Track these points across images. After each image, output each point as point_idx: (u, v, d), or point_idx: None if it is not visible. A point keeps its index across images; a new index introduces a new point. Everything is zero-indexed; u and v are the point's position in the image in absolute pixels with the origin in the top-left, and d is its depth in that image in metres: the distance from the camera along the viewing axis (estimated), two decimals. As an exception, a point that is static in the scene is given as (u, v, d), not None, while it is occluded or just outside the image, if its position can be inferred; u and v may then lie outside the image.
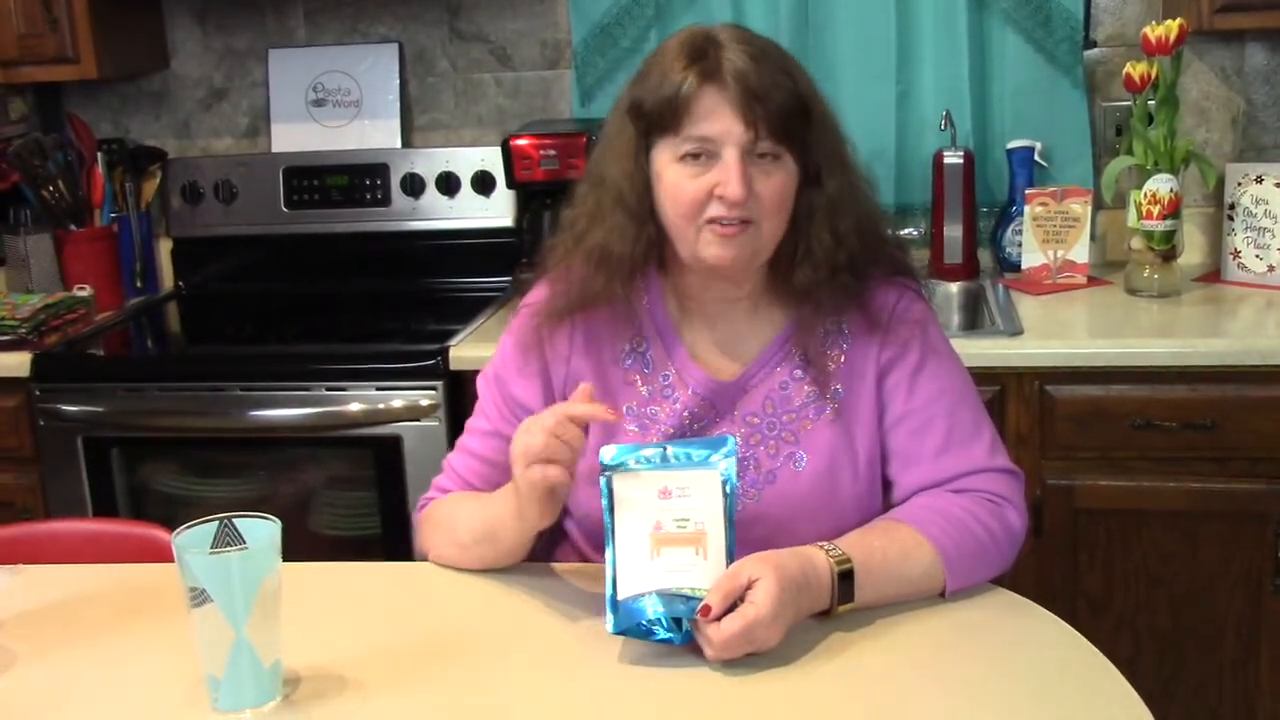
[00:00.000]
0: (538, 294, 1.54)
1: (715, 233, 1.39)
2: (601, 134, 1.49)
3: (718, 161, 1.37)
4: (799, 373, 1.49)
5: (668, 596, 1.27)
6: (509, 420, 1.52)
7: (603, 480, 1.33)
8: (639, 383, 1.51)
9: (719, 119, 1.36)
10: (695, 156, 1.38)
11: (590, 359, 1.51)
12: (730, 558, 1.30)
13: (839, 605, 1.32)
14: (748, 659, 1.26)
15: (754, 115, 1.35)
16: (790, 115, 1.37)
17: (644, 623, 1.27)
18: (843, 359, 1.49)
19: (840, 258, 1.43)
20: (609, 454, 1.34)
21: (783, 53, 1.42)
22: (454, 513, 1.52)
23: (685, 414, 1.48)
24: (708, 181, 1.37)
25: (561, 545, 1.60)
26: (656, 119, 1.39)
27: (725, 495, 1.31)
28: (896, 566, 1.36)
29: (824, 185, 1.42)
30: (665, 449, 1.34)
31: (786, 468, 1.47)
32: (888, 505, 1.50)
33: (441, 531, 1.53)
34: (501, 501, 1.42)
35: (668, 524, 1.30)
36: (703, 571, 1.28)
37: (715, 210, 1.38)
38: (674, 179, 1.39)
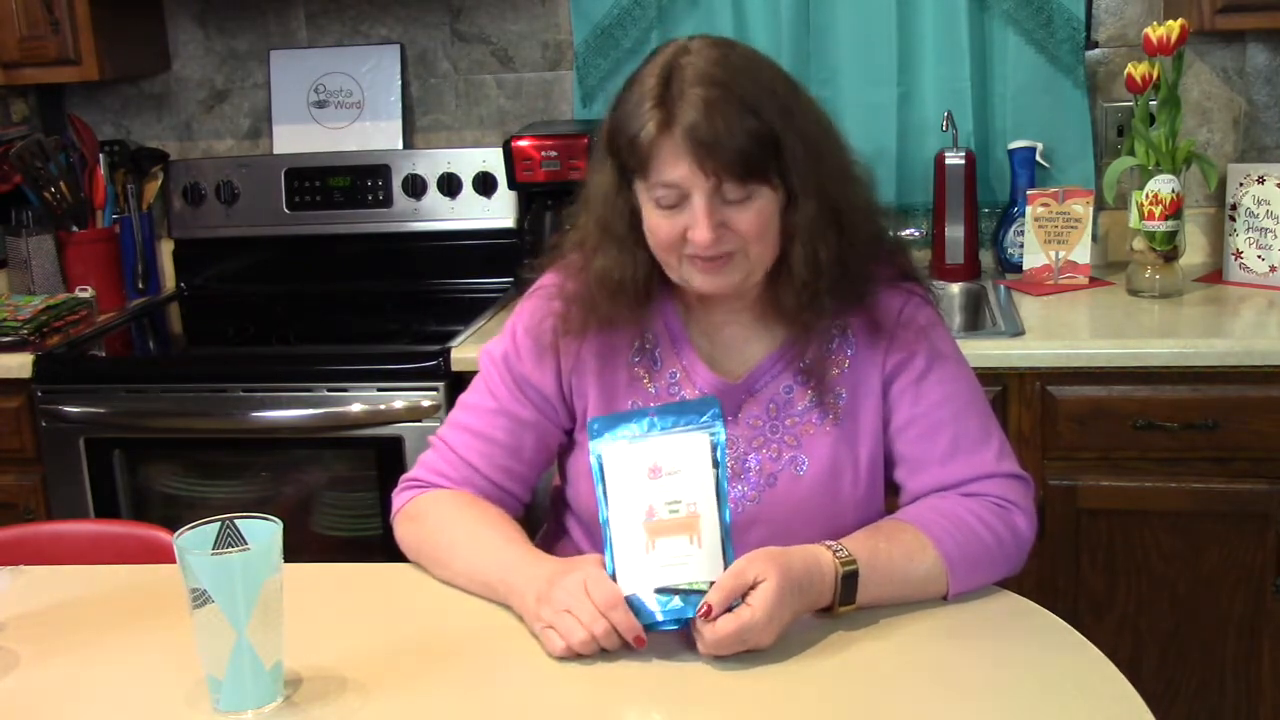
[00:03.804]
0: (551, 278, 1.54)
1: (697, 267, 1.40)
2: (592, 150, 1.48)
3: (689, 204, 1.35)
4: (801, 379, 1.49)
5: (668, 593, 1.27)
6: (520, 401, 1.53)
7: (593, 458, 1.33)
8: (646, 380, 1.51)
9: (680, 167, 1.33)
10: (669, 201, 1.36)
11: (599, 352, 1.51)
12: (726, 535, 1.29)
13: (840, 605, 1.32)
14: (748, 657, 1.26)
15: (710, 167, 1.32)
16: (751, 158, 1.33)
17: (646, 620, 1.28)
18: (847, 364, 1.48)
19: (820, 284, 1.41)
20: (597, 426, 1.34)
21: (754, 76, 1.36)
22: (447, 531, 1.48)
23: None
24: (680, 224, 1.37)
25: (562, 541, 1.60)
26: (627, 160, 1.38)
27: (715, 464, 1.30)
28: (900, 568, 1.36)
29: (800, 210, 1.39)
30: (653, 416, 1.33)
31: (788, 471, 1.47)
32: (892, 509, 1.50)
33: (428, 545, 1.50)
34: (509, 572, 1.38)
35: (660, 509, 1.30)
36: (699, 562, 1.28)
37: (692, 250, 1.38)
38: (650, 218, 1.39)
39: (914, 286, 1.52)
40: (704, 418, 1.32)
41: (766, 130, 1.33)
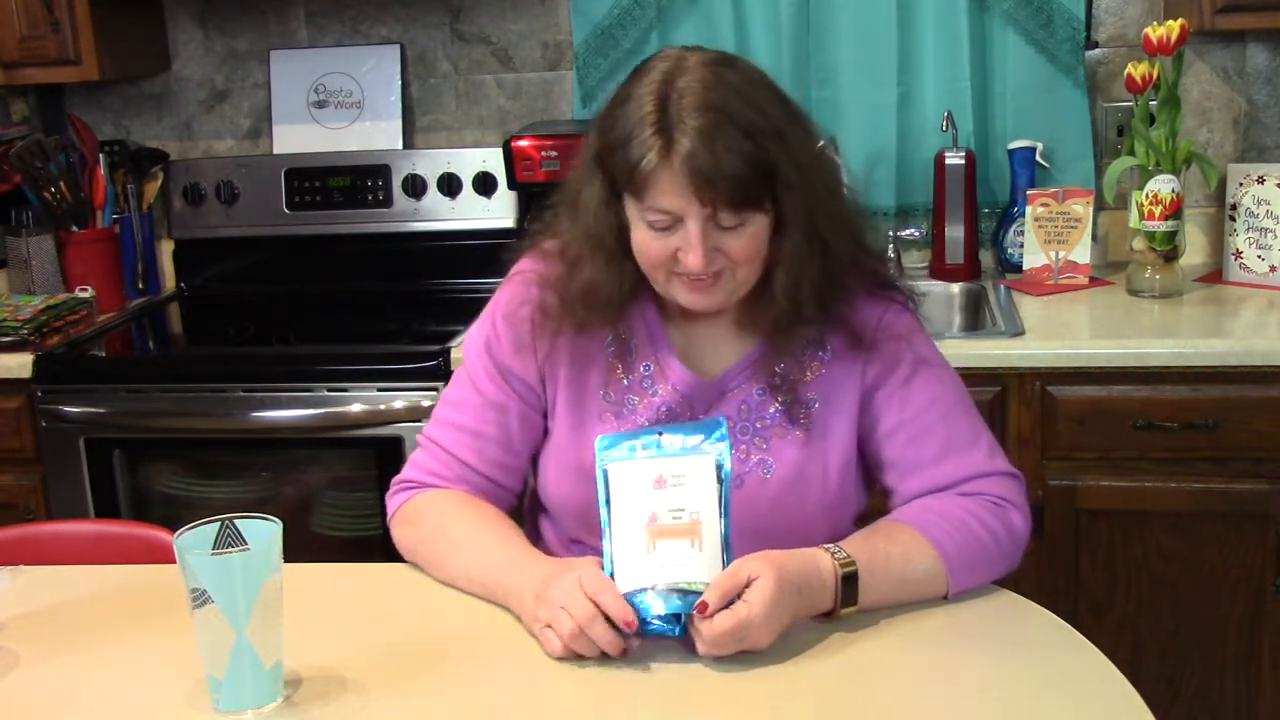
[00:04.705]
0: (529, 263, 1.54)
1: (685, 285, 1.40)
2: (580, 156, 1.47)
3: (682, 227, 1.35)
4: (776, 381, 1.48)
5: (666, 592, 1.27)
6: (505, 391, 1.53)
7: (599, 471, 1.33)
8: (619, 370, 1.51)
9: (676, 196, 1.33)
10: (662, 224, 1.36)
11: (574, 340, 1.50)
12: (727, 545, 1.30)
13: (841, 608, 1.32)
14: (747, 657, 1.26)
15: (707, 196, 1.32)
16: (749, 186, 1.32)
17: (645, 619, 1.27)
18: (821, 370, 1.48)
19: (800, 313, 1.42)
20: (604, 442, 1.34)
21: (749, 99, 1.34)
22: (444, 533, 1.48)
23: (662, 409, 1.48)
24: (672, 245, 1.37)
25: (538, 547, 1.60)
26: (620, 180, 1.37)
27: (720, 481, 1.31)
28: (899, 569, 1.36)
29: (788, 237, 1.39)
30: (660, 435, 1.34)
31: (755, 474, 1.46)
32: (875, 515, 1.50)
33: (424, 547, 1.50)
34: (507, 573, 1.39)
35: (663, 515, 1.30)
36: (699, 564, 1.28)
37: (681, 269, 1.38)
38: (641, 237, 1.39)
39: (893, 294, 1.51)
40: (711, 438, 1.33)
41: (763, 157, 1.33)
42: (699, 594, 1.26)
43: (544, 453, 1.55)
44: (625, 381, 1.50)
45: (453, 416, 1.55)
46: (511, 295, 1.54)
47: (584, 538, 1.50)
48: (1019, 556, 1.44)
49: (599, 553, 1.35)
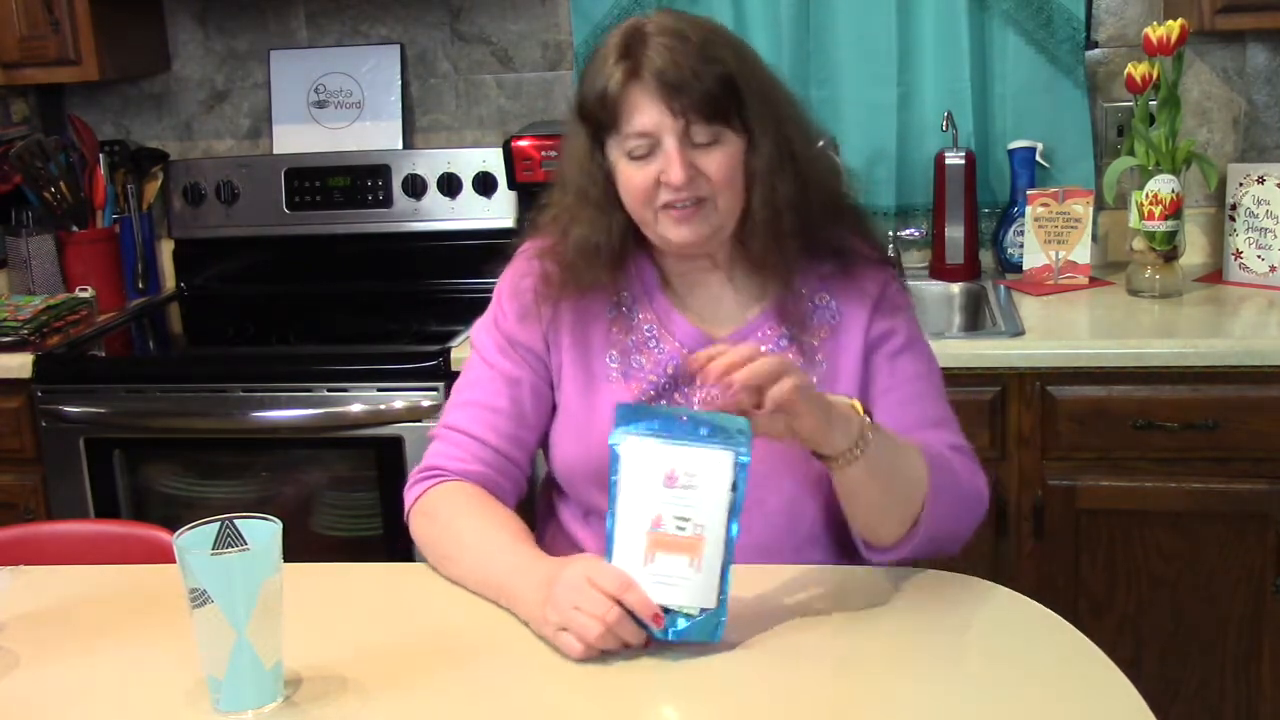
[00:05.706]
0: (529, 243, 1.58)
1: (671, 216, 1.44)
2: (565, 135, 1.54)
3: (660, 150, 1.41)
4: (784, 343, 1.51)
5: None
6: (515, 362, 1.56)
7: (611, 444, 1.30)
8: (622, 332, 1.53)
9: (649, 113, 1.41)
10: (641, 150, 1.42)
11: (576, 306, 1.54)
12: (728, 562, 1.28)
13: (866, 418, 1.34)
14: (744, 659, 1.26)
15: (678, 107, 1.39)
16: (716, 99, 1.40)
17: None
18: (829, 334, 1.52)
19: (781, 225, 1.46)
20: (622, 412, 1.31)
21: (712, 34, 1.44)
22: (455, 529, 1.48)
23: (669, 365, 1.51)
24: (653, 171, 1.42)
25: (551, 527, 1.61)
26: (598, 118, 1.44)
27: (733, 487, 1.27)
28: (896, 446, 1.38)
29: (757, 152, 1.45)
30: (683, 419, 1.30)
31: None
32: None
33: (432, 543, 1.50)
34: (511, 576, 1.38)
35: (668, 521, 1.28)
36: (693, 586, 1.27)
37: (666, 196, 1.43)
38: (624, 173, 1.45)
39: (893, 273, 1.57)
40: (733, 435, 1.29)
41: (728, 74, 1.41)
42: (683, 614, 1.26)
43: (554, 426, 1.57)
44: (629, 342, 1.53)
45: (466, 395, 1.58)
46: (515, 270, 1.59)
47: (600, 504, 1.47)
48: (979, 519, 1.48)
49: None
